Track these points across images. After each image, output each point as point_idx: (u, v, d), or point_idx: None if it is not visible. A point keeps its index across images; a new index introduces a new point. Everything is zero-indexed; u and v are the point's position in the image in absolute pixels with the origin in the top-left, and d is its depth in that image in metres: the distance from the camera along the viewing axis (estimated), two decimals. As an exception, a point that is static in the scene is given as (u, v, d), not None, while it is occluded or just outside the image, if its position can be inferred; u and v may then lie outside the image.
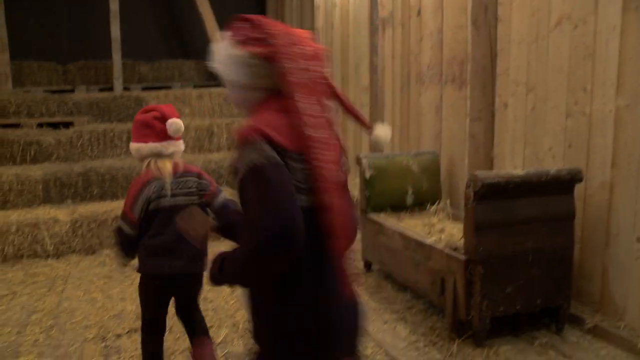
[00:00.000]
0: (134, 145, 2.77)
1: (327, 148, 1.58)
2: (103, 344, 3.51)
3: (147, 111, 2.79)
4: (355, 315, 1.73)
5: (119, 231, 2.72)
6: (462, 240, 3.43)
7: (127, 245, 2.73)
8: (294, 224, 1.45)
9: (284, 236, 1.43)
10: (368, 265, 4.71)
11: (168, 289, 2.81)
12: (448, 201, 4.63)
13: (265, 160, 1.49)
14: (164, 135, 2.72)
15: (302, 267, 1.56)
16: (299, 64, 1.61)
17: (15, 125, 7.06)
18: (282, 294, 1.59)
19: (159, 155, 2.72)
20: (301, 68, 1.61)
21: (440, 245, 3.60)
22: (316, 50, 1.68)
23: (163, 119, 2.72)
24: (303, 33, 1.70)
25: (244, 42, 1.64)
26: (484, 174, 3.23)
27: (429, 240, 3.72)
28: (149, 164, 2.73)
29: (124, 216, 2.69)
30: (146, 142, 2.72)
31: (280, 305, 1.60)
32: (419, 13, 5.34)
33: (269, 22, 1.66)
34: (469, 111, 4.60)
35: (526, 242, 3.35)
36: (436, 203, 4.67)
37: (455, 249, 3.47)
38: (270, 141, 1.52)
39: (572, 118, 3.70)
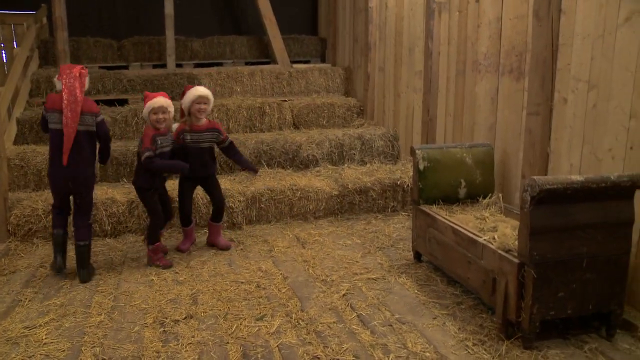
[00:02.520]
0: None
1: (67, 109, 4.18)
2: (162, 329, 3.64)
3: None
4: (69, 173, 4.31)
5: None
6: (516, 242, 3.42)
7: None
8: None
9: None
10: (418, 256, 4.73)
11: None
12: (500, 195, 4.58)
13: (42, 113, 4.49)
14: None
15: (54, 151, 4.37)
16: (68, 81, 4.25)
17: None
18: (50, 161, 4.43)
19: None
20: (67, 82, 4.26)
21: (493, 245, 3.59)
22: (75, 75, 4.28)
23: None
24: (74, 69, 4.34)
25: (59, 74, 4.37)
26: (542, 179, 3.18)
27: (482, 239, 3.71)
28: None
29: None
30: None
31: (49, 166, 4.45)
32: (477, 0, 5.21)
33: (63, 66, 4.40)
34: (527, 104, 4.51)
35: (581, 247, 3.30)
36: (488, 196, 4.63)
37: (509, 251, 3.45)
38: (43, 104, 4.50)
39: (636, 119, 3.59)
